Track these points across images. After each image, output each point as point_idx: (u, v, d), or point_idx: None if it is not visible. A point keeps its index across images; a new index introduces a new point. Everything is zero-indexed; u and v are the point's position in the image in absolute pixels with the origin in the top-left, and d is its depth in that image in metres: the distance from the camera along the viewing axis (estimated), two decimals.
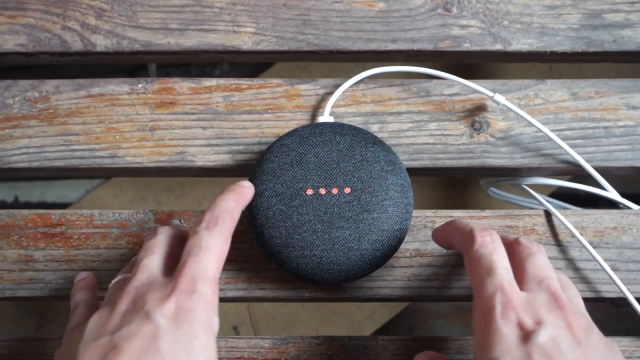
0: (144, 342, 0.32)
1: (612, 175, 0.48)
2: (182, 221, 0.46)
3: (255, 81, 0.49)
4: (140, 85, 0.49)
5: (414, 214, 0.46)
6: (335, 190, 0.42)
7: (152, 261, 0.37)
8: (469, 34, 0.49)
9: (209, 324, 0.34)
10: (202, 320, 0.34)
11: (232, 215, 0.38)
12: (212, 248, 0.36)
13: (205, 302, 0.34)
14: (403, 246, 0.46)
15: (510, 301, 0.33)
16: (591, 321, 0.36)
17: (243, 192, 0.40)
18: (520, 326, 0.33)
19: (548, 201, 0.49)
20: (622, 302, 0.45)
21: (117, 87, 0.48)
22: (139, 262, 0.38)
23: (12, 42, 0.49)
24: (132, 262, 0.41)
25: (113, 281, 0.39)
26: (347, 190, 0.42)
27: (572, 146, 0.47)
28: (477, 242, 0.36)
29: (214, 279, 0.35)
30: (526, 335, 0.32)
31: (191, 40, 0.49)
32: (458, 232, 0.39)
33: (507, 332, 0.32)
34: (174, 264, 0.38)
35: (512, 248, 0.38)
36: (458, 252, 0.43)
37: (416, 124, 0.48)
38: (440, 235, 0.42)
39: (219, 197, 0.39)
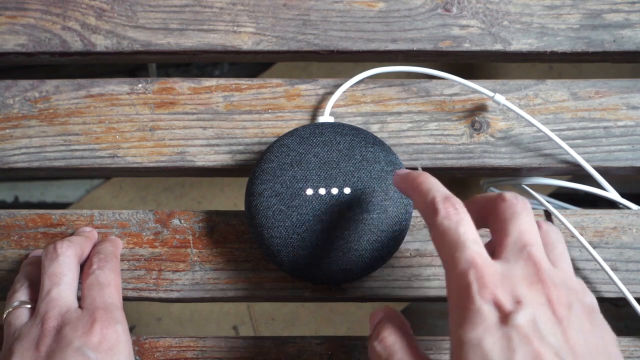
0: None
1: (612, 175, 0.48)
2: (182, 221, 0.46)
3: (255, 81, 0.49)
4: (140, 85, 0.49)
5: (414, 214, 0.46)
6: (335, 191, 0.42)
7: (61, 292, 0.39)
8: (469, 34, 0.49)
9: (130, 349, 0.38)
10: (126, 347, 0.38)
11: (115, 255, 0.43)
12: (110, 283, 0.40)
13: (125, 330, 0.39)
14: (403, 246, 0.46)
15: (485, 276, 0.31)
16: (575, 287, 0.33)
17: (115, 241, 0.45)
18: (498, 305, 0.30)
19: (548, 201, 0.49)
20: (622, 302, 0.45)
21: (117, 87, 0.48)
22: (47, 294, 0.39)
23: (12, 42, 0.49)
24: (22, 280, 0.42)
25: (8, 310, 0.40)
26: (347, 190, 0.42)
27: (572, 146, 0.47)
28: (440, 214, 0.33)
29: (122, 307, 0.40)
30: (505, 316, 0.30)
31: (191, 40, 0.49)
32: (420, 197, 0.35)
33: (487, 312, 0.30)
34: (77, 287, 0.41)
35: (495, 205, 0.35)
36: None
37: (416, 124, 0.48)
38: (402, 185, 0.38)
39: (98, 246, 0.44)
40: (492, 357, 0.29)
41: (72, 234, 0.46)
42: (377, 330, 0.36)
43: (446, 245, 0.33)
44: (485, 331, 0.30)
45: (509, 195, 0.34)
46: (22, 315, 0.39)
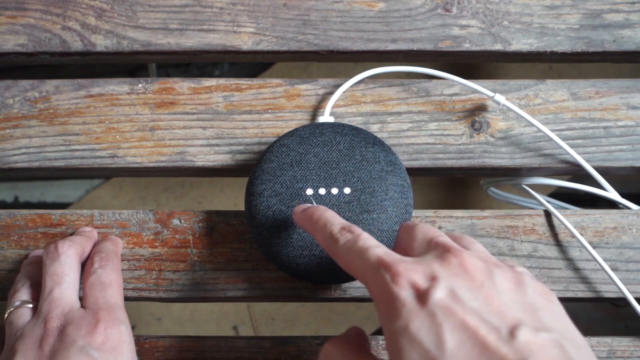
0: None
1: (612, 175, 0.48)
2: (182, 221, 0.46)
3: (255, 81, 0.49)
4: (140, 85, 0.49)
5: (414, 214, 0.46)
6: (335, 191, 0.42)
7: (63, 292, 0.39)
8: (469, 34, 0.49)
9: (132, 349, 0.38)
10: (129, 347, 0.38)
11: (116, 254, 0.43)
12: (112, 282, 0.40)
13: (128, 330, 0.38)
14: None
15: (394, 266, 0.31)
16: (493, 260, 0.33)
17: (115, 240, 0.45)
18: (415, 287, 0.30)
19: (548, 201, 0.49)
20: (622, 302, 0.45)
21: (117, 87, 0.48)
22: (49, 294, 0.39)
23: (12, 42, 0.49)
24: (23, 280, 0.42)
25: (9, 309, 0.40)
26: (347, 190, 0.42)
27: (572, 146, 0.47)
28: (340, 241, 0.34)
29: (124, 308, 0.40)
30: (423, 295, 0.30)
31: (191, 40, 0.49)
32: (319, 233, 0.36)
33: (405, 297, 0.30)
34: (78, 286, 0.41)
35: (404, 234, 0.37)
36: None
37: (416, 124, 0.48)
38: (301, 223, 0.39)
39: (99, 245, 0.44)
40: (421, 337, 0.29)
41: (72, 234, 0.46)
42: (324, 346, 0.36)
43: (353, 263, 0.33)
44: (409, 315, 0.30)
45: (408, 224, 0.38)
46: (24, 314, 0.39)
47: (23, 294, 0.41)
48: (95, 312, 0.38)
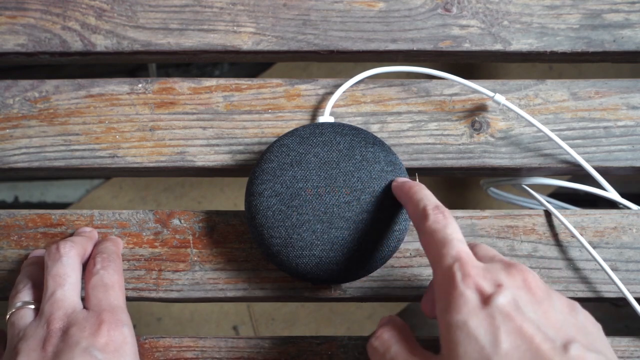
0: None
1: (612, 175, 0.48)
2: (182, 221, 0.46)
3: (255, 81, 0.49)
4: (140, 85, 0.49)
5: None
6: (335, 191, 0.42)
7: (65, 293, 0.39)
8: (469, 34, 0.49)
9: (136, 351, 0.38)
10: (132, 349, 0.38)
11: (117, 254, 0.43)
12: (115, 284, 0.40)
13: (131, 332, 0.39)
14: (403, 246, 0.46)
15: (468, 268, 0.34)
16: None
17: (116, 240, 0.45)
18: (480, 291, 0.33)
19: (548, 201, 0.49)
20: (622, 302, 0.45)
21: (117, 87, 0.48)
22: (51, 295, 0.39)
23: (12, 42, 0.49)
24: (24, 280, 0.42)
25: (11, 310, 0.40)
26: (347, 190, 0.42)
27: (572, 146, 0.47)
28: (429, 219, 0.37)
29: (126, 308, 0.40)
30: (487, 298, 0.32)
31: (191, 40, 0.49)
32: (412, 205, 0.39)
33: (469, 296, 0.32)
34: (80, 287, 0.41)
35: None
36: None
37: (416, 124, 0.48)
38: (397, 193, 0.41)
39: (100, 245, 0.43)
40: (478, 334, 0.31)
41: (72, 235, 0.46)
42: (375, 331, 0.38)
43: (434, 244, 0.36)
44: (469, 313, 0.32)
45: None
46: (25, 315, 0.39)
47: (25, 294, 0.40)
48: (99, 314, 0.38)
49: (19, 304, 0.40)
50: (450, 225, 0.36)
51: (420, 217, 0.37)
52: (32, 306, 0.40)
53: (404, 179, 0.42)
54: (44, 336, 0.37)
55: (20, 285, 0.41)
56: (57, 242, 0.41)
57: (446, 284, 0.34)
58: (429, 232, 0.36)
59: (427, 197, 0.39)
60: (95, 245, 0.44)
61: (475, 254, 0.37)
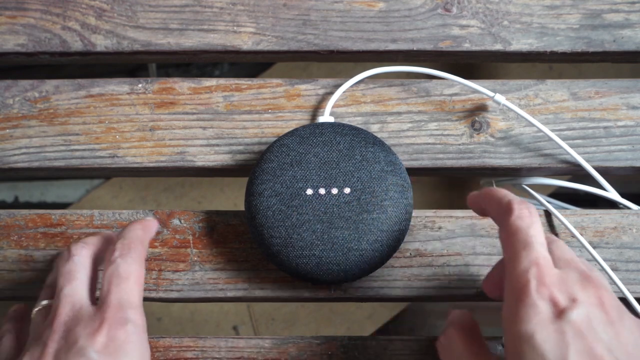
0: None
1: (612, 175, 0.48)
2: (182, 221, 0.46)
3: (255, 81, 0.49)
4: (140, 85, 0.49)
5: (414, 214, 0.46)
6: (334, 191, 0.42)
7: (74, 289, 0.37)
8: (469, 34, 0.49)
9: (143, 351, 0.35)
10: (137, 348, 0.35)
11: (142, 242, 0.39)
12: (131, 276, 0.37)
13: (137, 330, 0.35)
14: (403, 246, 0.46)
15: (545, 276, 0.33)
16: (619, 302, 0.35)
17: (149, 224, 0.41)
18: (554, 302, 0.32)
19: (548, 201, 0.49)
20: (622, 302, 0.45)
21: (117, 87, 0.48)
22: (60, 291, 0.37)
23: (12, 42, 0.49)
24: (49, 283, 0.41)
25: (35, 309, 0.39)
26: (347, 190, 0.42)
27: (572, 146, 0.47)
28: (514, 213, 0.35)
29: (140, 304, 0.37)
30: (560, 312, 0.31)
31: (191, 40, 0.49)
32: (495, 202, 0.38)
33: (542, 307, 0.32)
34: (95, 286, 0.39)
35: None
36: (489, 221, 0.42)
37: (416, 124, 0.48)
38: (476, 201, 0.40)
39: (127, 228, 0.40)
40: (545, 349, 0.30)
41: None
42: (444, 329, 0.38)
43: (514, 243, 0.34)
44: (538, 324, 0.31)
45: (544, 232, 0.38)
46: (43, 313, 0.39)
47: (48, 294, 0.40)
48: (103, 311, 0.36)
49: (44, 303, 0.39)
50: (534, 225, 0.35)
51: (505, 211, 0.36)
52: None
53: (478, 191, 0.41)
54: (48, 334, 0.36)
55: (47, 284, 0.41)
56: (69, 244, 0.40)
57: (518, 291, 0.33)
58: (512, 229, 0.35)
59: (511, 194, 0.37)
60: (123, 229, 0.41)
61: (552, 253, 0.36)
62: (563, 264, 0.35)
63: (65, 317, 0.36)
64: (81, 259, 0.39)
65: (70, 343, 0.35)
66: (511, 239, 0.35)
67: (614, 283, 0.44)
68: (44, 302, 0.39)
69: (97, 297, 0.39)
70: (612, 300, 0.33)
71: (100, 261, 0.41)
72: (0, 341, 0.40)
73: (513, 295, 0.33)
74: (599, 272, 0.37)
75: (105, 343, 0.34)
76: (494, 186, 0.55)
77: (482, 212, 0.40)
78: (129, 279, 0.37)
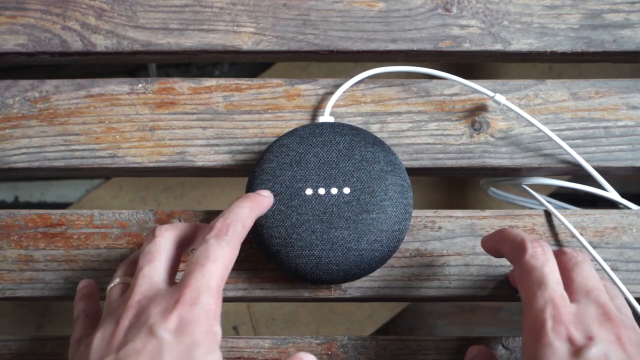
0: (149, 359, 0.32)
1: (612, 175, 0.48)
2: (183, 221, 0.46)
3: (255, 81, 0.49)
4: (140, 85, 0.49)
5: (414, 214, 0.46)
6: (334, 190, 0.42)
7: (153, 270, 0.37)
8: (469, 34, 0.49)
9: (211, 333, 0.34)
10: (203, 330, 0.33)
11: (245, 223, 0.38)
12: (219, 259, 0.35)
13: (207, 312, 0.34)
14: (403, 246, 0.46)
15: (561, 315, 0.33)
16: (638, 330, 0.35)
17: (260, 201, 0.40)
18: (571, 341, 0.32)
19: (548, 201, 0.49)
20: None
21: (117, 87, 0.48)
22: (139, 270, 0.37)
23: (12, 42, 0.49)
24: (130, 260, 0.41)
25: (110, 285, 0.39)
26: (347, 190, 0.42)
27: (572, 146, 0.47)
28: (528, 252, 0.36)
29: (218, 290, 0.35)
30: (577, 351, 0.32)
31: (191, 40, 0.49)
32: (508, 242, 0.38)
33: (559, 347, 0.32)
34: (176, 269, 0.38)
35: (557, 258, 0.37)
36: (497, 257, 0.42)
37: (416, 124, 0.48)
38: (490, 243, 0.41)
39: (234, 203, 0.39)
40: None
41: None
42: None
43: (529, 283, 0.35)
44: None
45: (568, 250, 0.38)
46: (119, 290, 0.38)
47: (125, 270, 0.40)
48: (179, 292, 0.34)
49: (117, 280, 0.39)
50: (549, 263, 0.35)
51: (518, 250, 0.37)
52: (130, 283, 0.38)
53: (491, 234, 0.41)
54: (122, 311, 0.35)
55: (127, 260, 0.41)
56: (155, 226, 0.40)
57: (535, 331, 0.33)
58: (527, 269, 0.35)
59: (523, 233, 0.38)
60: (234, 202, 0.39)
61: (573, 281, 0.36)
62: (582, 296, 0.35)
63: (140, 295, 0.36)
64: (163, 240, 0.38)
65: (142, 321, 0.34)
66: (526, 278, 0.35)
67: (614, 283, 0.44)
68: (117, 280, 0.39)
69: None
70: (632, 336, 0.33)
71: (185, 246, 0.40)
72: (77, 322, 0.40)
73: (531, 335, 0.33)
74: (622, 301, 0.38)
75: (176, 323, 0.33)
76: (494, 188, 0.55)
77: (497, 254, 0.41)
78: (216, 262, 0.35)
